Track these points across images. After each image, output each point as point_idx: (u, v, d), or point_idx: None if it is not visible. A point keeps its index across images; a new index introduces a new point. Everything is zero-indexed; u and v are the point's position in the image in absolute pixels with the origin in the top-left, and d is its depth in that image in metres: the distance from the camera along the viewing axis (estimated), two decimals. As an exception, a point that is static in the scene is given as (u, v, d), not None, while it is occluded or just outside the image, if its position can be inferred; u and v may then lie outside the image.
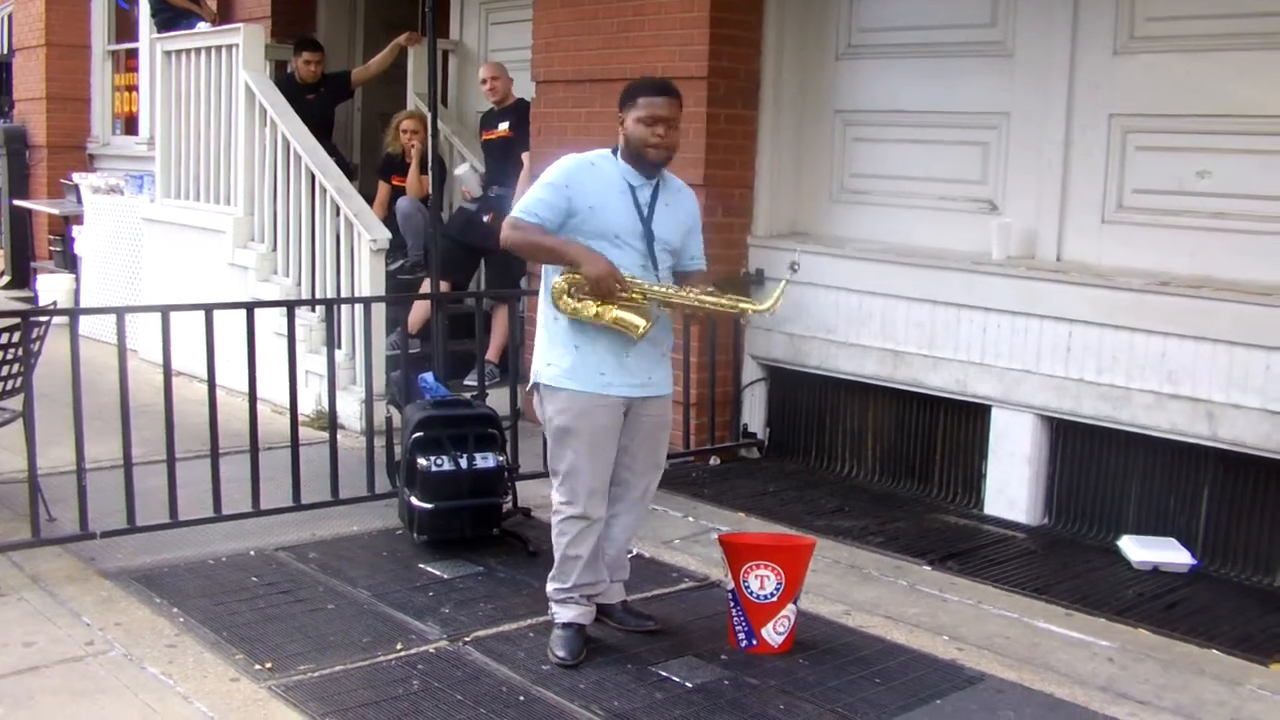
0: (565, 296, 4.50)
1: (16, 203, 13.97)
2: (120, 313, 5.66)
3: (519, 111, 8.87)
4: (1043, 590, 5.53)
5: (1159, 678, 4.67)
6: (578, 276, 4.47)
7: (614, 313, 4.47)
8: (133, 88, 13.62)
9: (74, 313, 5.56)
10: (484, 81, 9.08)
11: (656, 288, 4.54)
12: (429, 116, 7.27)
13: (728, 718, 4.26)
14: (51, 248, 13.66)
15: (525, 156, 8.46)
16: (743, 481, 7.22)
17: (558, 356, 4.62)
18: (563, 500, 4.68)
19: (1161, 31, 6.17)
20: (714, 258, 7.36)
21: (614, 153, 4.67)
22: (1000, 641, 4.98)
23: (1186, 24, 6.08)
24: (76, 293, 12.06)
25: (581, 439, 4.60)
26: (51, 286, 12.31)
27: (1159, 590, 5.57)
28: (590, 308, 4.47)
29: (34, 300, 12.50)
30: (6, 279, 14.15)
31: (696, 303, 4.57)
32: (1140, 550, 5.89)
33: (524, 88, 8.82)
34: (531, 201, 4.56)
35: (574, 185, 4.54)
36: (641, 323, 4.48)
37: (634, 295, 4.48)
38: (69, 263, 12.61)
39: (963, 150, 6.95)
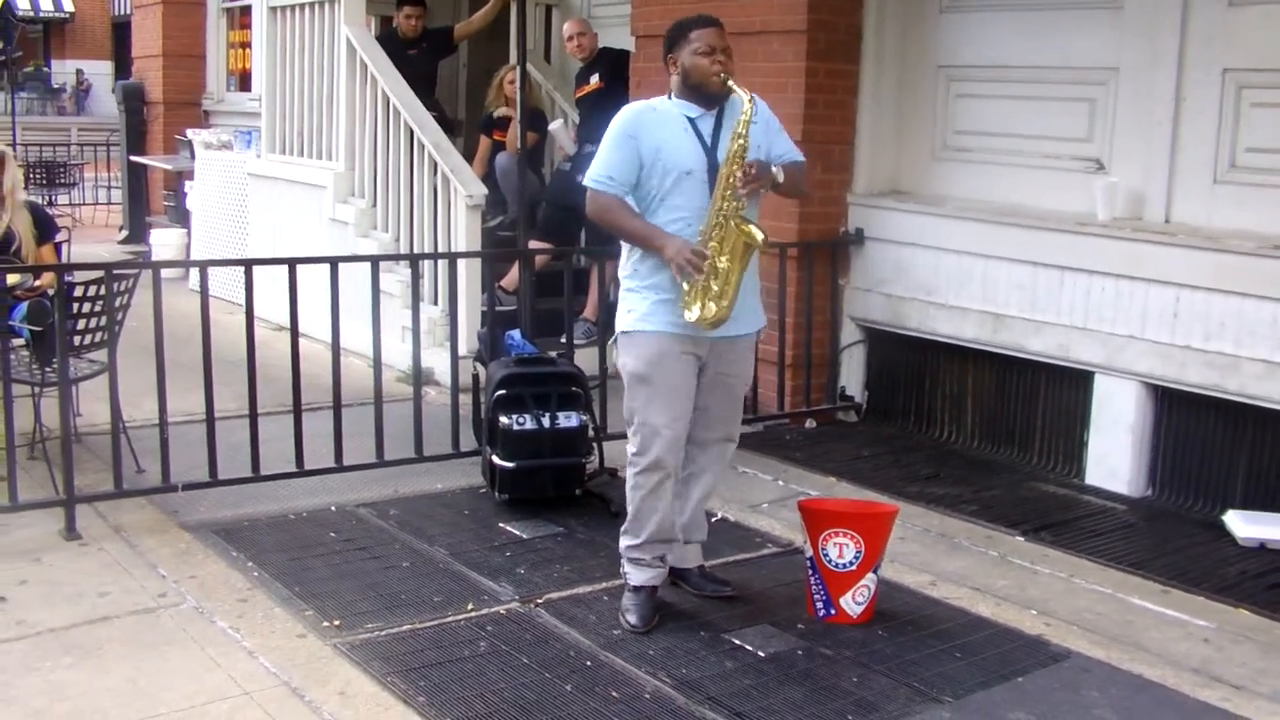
0: (692, 306, 4.42)
1: (134, 158, 14.20)
2: (203, 266, 5.68)
3: (607, 62, 8.74)
4: (1140, 565, 5.32)
5: (1257, 661, 4.46)
6: (685, 288, 4.41)
7: (735, 256, 4.42)
8: (247, 44, 13.72)
9: (155, 265, 5.56)
10: (570, 39, 8.98)
11: (709, 222, 4.44)
12: (519, 70, 7.18)
13: (798, 689, 4.15)
14: (166, 203, 13.87)
15: None
16: (836, 445, 7.08)
17: (636, 302, 4.57)
18: (636, 451, 4.59)
19: (1282, -20, 5.87)
20: (812, 215, 7.28)
21: (668, 97, 4.62)
22: (1090, 618, 4.79)
23: (1308, -28, 5.78)
24: (187, 247, 12.23)
25: (657, 386, 4.52)
26: (164, 241, 12.51)
27: (1264, 569, 5.32)
28: (710, 286, 4.40)
29: (147, 255, 12.68)
30: (125, 233, 14.40)
31: (726, 192, 4.44)
32: (1246, 526, 5.64)
33: (626, 42, 8.69)
34: (603, 165, 4.52)
35: (639, 133, 4.48)
36: (759, 235, 4.43)
37: (716, 256, 4.39)
38: (182, 218, 12.78)
39: (1069, 107, 6.68)
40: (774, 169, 4.57)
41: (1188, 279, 5.92)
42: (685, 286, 4.41)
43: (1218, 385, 5.85)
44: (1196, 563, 5.38)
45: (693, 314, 4.42)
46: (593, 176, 4.54)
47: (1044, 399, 6.72)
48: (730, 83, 4.46)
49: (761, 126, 4.59)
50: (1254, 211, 5.96)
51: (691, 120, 4.52)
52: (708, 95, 4.51)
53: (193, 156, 12.33)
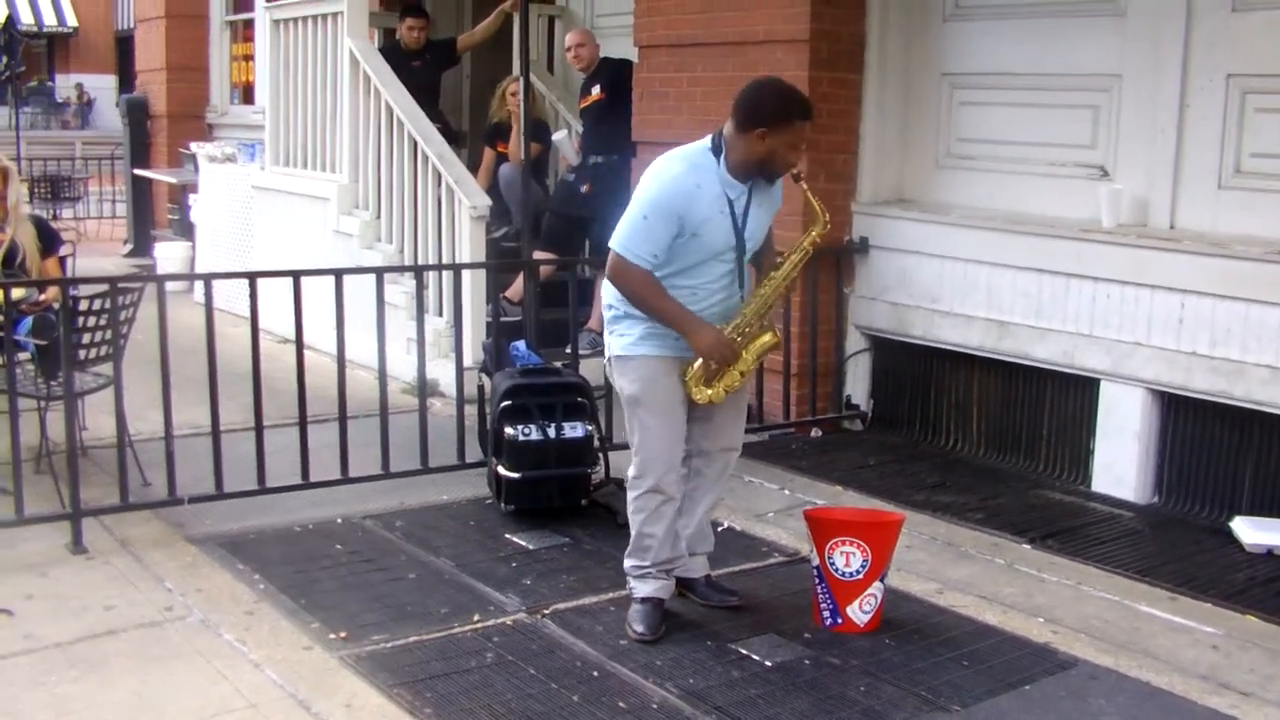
0: (701, 387, 4.47)
1: (138, 172, 14.21)
2: (208, 279, 5.69)
3: (608, 72, 8.74)
4: (1146, 572, 5.31)
5: (1266, 667, 4.44)
6: (696, 368, 4.45)
7: (745, 366, 4.52)
8: (249, 57, 13.74)
9: (160, 279, 5.58)
10: (569, 49, 8.99)
11: (747, 313, 4.52)
12: (523, 81, 7.19)
13: (805, 698, 4.14)
14: (170, 216, 13.88)
15: None
16: (842, 454, 7.06)
17: (627, 328, 4.54)
18: (637, 475, 4.59)
19: (1284, -15, 5.87)
20: (816, 225, 7.24)
21: (714, 152, 4.42)
22: (1098, 625, 4.78)
23: (1311, -23, 5.78)
24: (192, 260, 12.22)
25: (652, 409, 4.51)
26: (169, 254, 12.51)
27: (1272, 574, 5.31)
28: (731, 377, 4.48)
29: (152, 268, 12.69)
30: (129, 247, 14.42)
31: (783, 287, 4.62)
32: (1253, 532, 5.62)
33: (629, 52, 8.70)
34: (644, 240, 4.34)
35: (685, 213, 4.32)
36: (773, 340, 4.59)
37: (741, 342, 4.48)
38: (186, 230, 12.79)
39: (1072, 114, 6.68)
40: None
41: (1193, 285, 5.91)
42: (696, 366, 4.46)
43: (1224, 391, 5.84)
44: (1204, 569, 5.37)
45: (704, 394, 4.48)
46: (632, 249, 4.34)
47: (1050, 406, 6.70)
48: (813, 200, 4.57)
49: (769, 209, 4.59)
50: (1260, 217, 5.95)
51: (730, 201, 4.40)
52: (763, 177, 4.45)
53: (197, 169, 12.33)
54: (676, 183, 4.36)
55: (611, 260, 4.42)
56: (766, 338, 4.53)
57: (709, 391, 4.47)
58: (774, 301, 4.58)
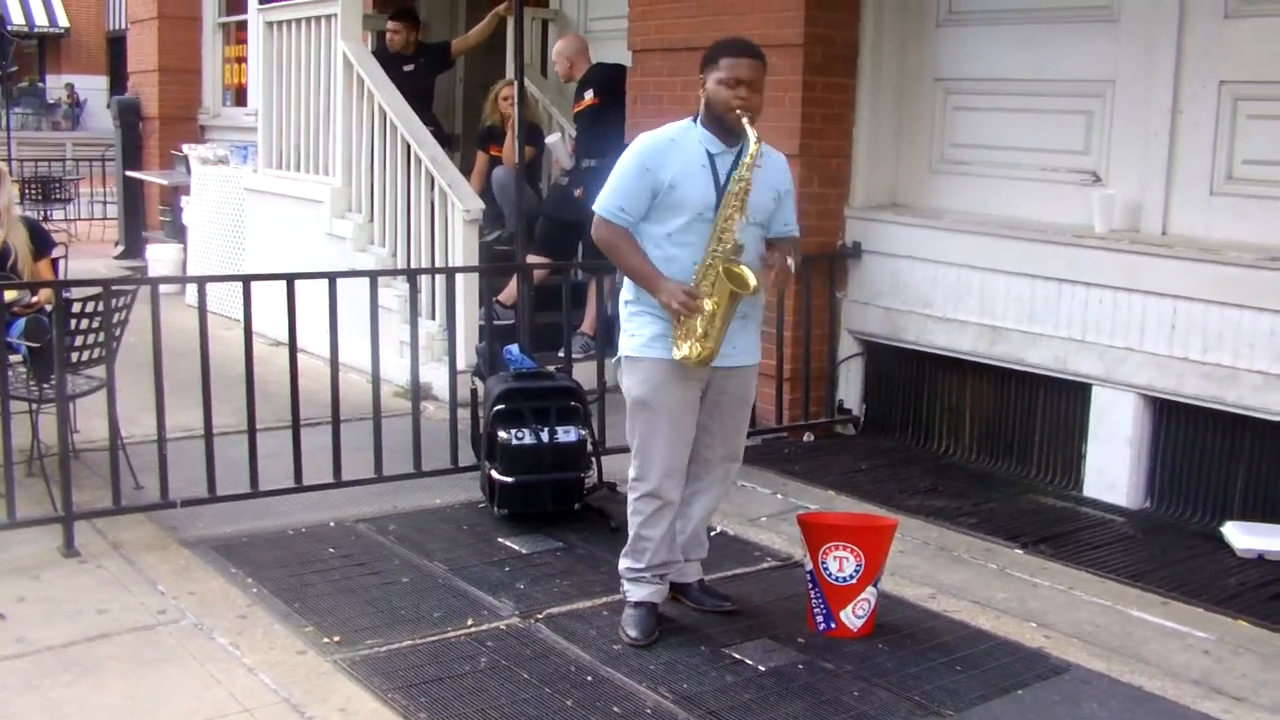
0: (681, 344, 4.38)
1: (129, 174, 14.21)
2: (201, 282, 5.68)
3: (601, 77, 8.75)
4: (1139, 577, 5.32)
5: (1258, 672, 4.45)
6: (675, 329, 4.39)
7: (721, 301, 4.35)
8: (243, 59, 13.75)
9: (154, 281, 5.57)
10: (555, 60, 9.06)
11: (706, 261, 4.39)
12: (517, 85, 7.20)
13: (799, 702, 4.15)
14: (162, 218, 13.88)
15: None
16: (835, 458, 7.07)
17: (639, 326, 4.53)
18: (636, 477, 4.59)
19: (1276, -7, 5.89)
20: (810, 229, 7.25)
21: (694, 121, 4.52)
22: (1090, 630, 4.79)
23: (1304, -16, 5.80)
24: (184, 263, 12.22)
25: (658, 413, 4.50)
26: (161, 256, 12.51)
27: (1263, 579, 5.32)
28: (695, 327, 4.35)
29: (144, 270, 12.68)
30: (120, 248, 14.40)
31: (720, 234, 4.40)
32: (1245, 537, 5.64)
33: (623, 56, 8.70)
34: (615, 194, 4.44)
35: (654, 166, 4.39)
36: (751, 280, 4.37)
37: (708, 297, 4.35)
38: (178, 233, 12.78)
39: (1066, 120, 6.70)
40: (790, 262, 4.50)
41: (1185, 291, 5.93)
42: (674, 324, 4.40)
43: (1216, 397, 5.85)
44: (1196, 574, 5.38)
45: (680, 351, 4.39)
46: (603, 205, 4.46)
47: (1042, 411, 6.71)
48: (745, 120, 4.36)
49: (774, 181, 4.53)
50: (1252, 223, 5.96)
51: (712, 157, 4.43)
52: (725, 128, 4.42)
53: (189, 171, 12.34)
54: (649, 138, 4.51)
55: (594, 222, 4.53)
56: (741, 272, 4.35)
57: (686, 348, 4.35)
58: (727, 242, 4.36)
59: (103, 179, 18.14)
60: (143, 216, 14.45)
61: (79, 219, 17.44)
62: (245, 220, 10.71)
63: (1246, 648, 4.65)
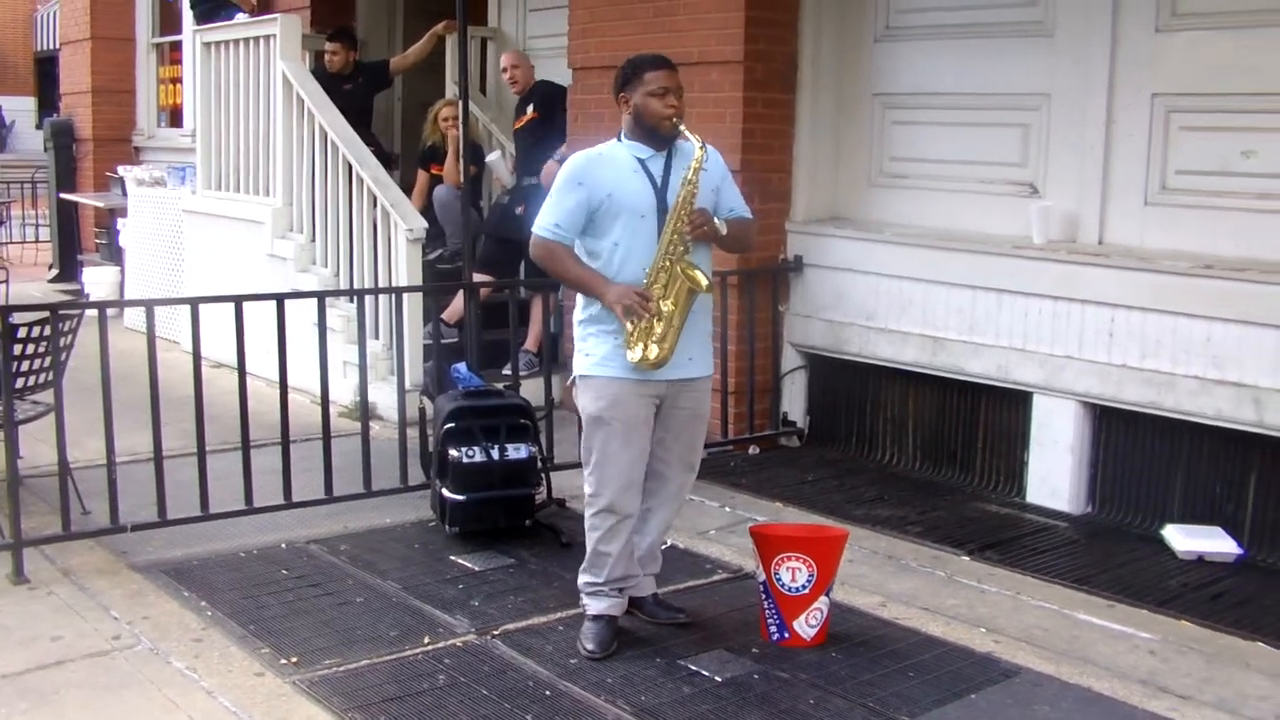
0: (635, 347, 4.44)
1: (64, 196, 14.06)
2: (149, 305, 5.65)
3: (540, 93, 8.80)
4: (1084, 581, 5.41)
5: (1202, 671, 4.55)
6: (628, 331, 4.44)
7: (679, 301, 4.44)
8: (177, 80, 13.65)
9: (101, 305, 5.55)
10: (504, 70, 9.08)
11: (655, 260, 4.47)
12: (461, 104, 7.22)
13: (757, 712, 4.19)
14: (97, 240, 13.73)
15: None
16: (781, 470, 7.13)
17: (594, 345, 4.59)
18: (593, 493, 4.62)
19: (1206, 8, 6.01)
20: (751, 244, 7.33)
21: (619, 139, 4.64)
22: (1039, 634, 4.87)
23: None
24: (121, 285, 12.11)
25: (613, 430, 4.54)
26: (98, 279, 12.36)
27: (1204, 581, 5.44)
28: (653, 328, 4.42)
29: (80, 293, 12.56)
30: (55, 272, 14.25)
31: (678, 226, 4.48)
32: (1185, 540, 5.76)
33: (563, 74, 8.74)
34: (550, 212, 4.56)
35: (587, 180, 4.51)
36: (704, 280, 4.47)
37: (659, 299, 4.43)
38: (114, 255, 12.66)
39: (1003, 132, 6.82)
40: (719, 222, 4.58)
41: (1122, 299, 6.04)
42: (629, 327, 4.44)
43: (1154, 403, 5.97)
44: (1139, 577, 5.48)
45: (634, 354, 4.45)
46: (539, 224, 4.57)
47: (984, 420, 6.81)
48: (681, 126, 4.50)
49: (711, 175, 4.62)
50: (1185, 232, 6.10)
51: (642, 161, 4.55)
52: (659, 137, 4.53)
53: (125, 193, 12.23)
54: (579, 156, 4.64)
55: (531, 241, 4.62)
56: (695, 274, 4.45)
57: (643, 351, 4.43)
58: (678, 244, 4.46)
59: (34, 201, 17.93)
60: (77, 239, 14.29)
61: (10, 242, 17.23)
62: (184, 242, 10.63)
63: (1190, 647, 4.75)
